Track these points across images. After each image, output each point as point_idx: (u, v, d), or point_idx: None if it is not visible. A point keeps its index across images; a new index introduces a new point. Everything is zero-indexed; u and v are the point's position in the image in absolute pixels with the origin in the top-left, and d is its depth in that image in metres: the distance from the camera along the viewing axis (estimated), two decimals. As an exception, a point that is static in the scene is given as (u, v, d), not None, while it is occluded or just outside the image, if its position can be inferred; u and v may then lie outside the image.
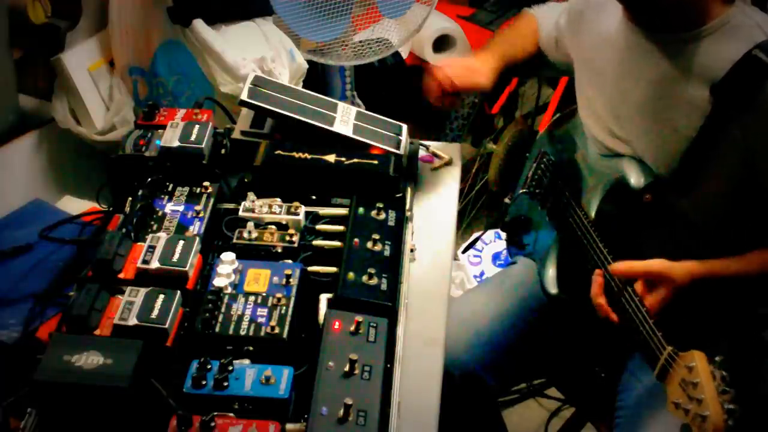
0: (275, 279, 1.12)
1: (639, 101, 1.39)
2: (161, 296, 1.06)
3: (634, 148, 1.43)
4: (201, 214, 1.22)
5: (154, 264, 1.11)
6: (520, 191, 1.69)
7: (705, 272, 1.31)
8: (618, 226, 1.43)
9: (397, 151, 1.37)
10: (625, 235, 1.42)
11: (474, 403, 1.61)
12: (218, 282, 1.11)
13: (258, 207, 1.23)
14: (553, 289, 1.52)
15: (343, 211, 1.26)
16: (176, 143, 1.29)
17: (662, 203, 1.40)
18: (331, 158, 1.31)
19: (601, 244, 1.38)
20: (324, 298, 1.13)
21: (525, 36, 1.69)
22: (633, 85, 1.40)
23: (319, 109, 1.41)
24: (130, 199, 1.25)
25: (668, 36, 1.34)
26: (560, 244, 1.55)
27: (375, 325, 1.08)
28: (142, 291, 1.07)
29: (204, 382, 0.98)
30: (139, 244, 1.15)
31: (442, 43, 2.86)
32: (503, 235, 1.80)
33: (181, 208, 1.24)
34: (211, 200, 1.25)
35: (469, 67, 1.57)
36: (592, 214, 1.45)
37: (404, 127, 1.44)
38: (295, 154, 1.31)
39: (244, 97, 1.39)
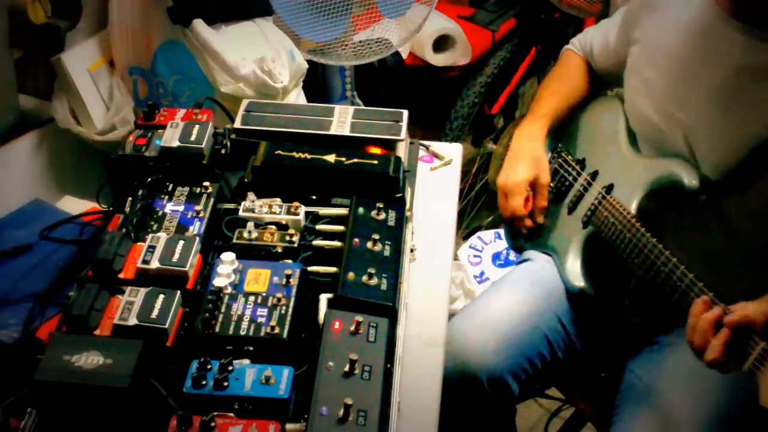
0: (275, 279, 1.12)
1: (711, 88, 1.35)
2: (161, 296, 1.06)
3: (691, 134, 1.39)
4: (201, 214, 1.22)
5: (154, 264, 1.11)
6: None
7: None
8: (657, 222, 1.42)
9: (399, 138, 1.37)
10: (662, 231, 1.41)
11: (498, 409, 1.58)
12: (218, 282, 1.11)
13: (258, 207, 1.23)
14: (579, 282, 1.51)
15: (343, 211, 1.26)
16: (176, 143, 1.29)
17: (712, 205, 1.38)
18: (331, 158, 1.31)
19: (648, 234, 1.38)
20: (324, 298, 1.13)
21: (573, 77, 1.69)
22: (707, 70, 1.36)
23: (314, 117, 1.41)
24: (130, 199, 1.25)
25: (763, 31, 1.30)
26: (587, 238, 1.54)
27: (375, 325, 1.08)
28: (142, 291, 1.07)
29: (204, 382, 0.98)
30: (139, 244, 1.15)
31: (442, 43, 2.87)
32: (502, 233, 1.79)
33: (181, 208, 1.24)
34: (211, 200, 1.25)
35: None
36: (632, 208, 1.44)
37: (404, 112, 1.42)
38: (295, 154, 1.31)
39: (237, 125, 1.39)
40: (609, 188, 1.53)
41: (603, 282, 1.52)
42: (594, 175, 1.57)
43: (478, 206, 2.75)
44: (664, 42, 1.44)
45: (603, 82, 1.73)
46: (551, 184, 1.64)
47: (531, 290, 1.58)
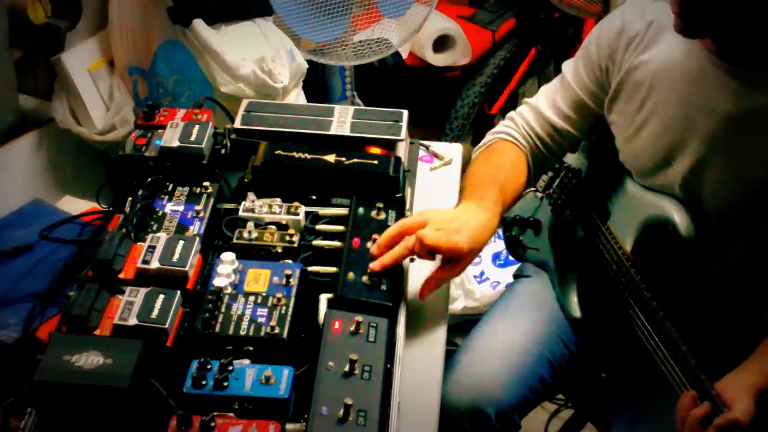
0: (275, 279, 1.12)
1: (708, 134, 1.28)
2: (161, 296, 1.06)
3: (690, 184, 1.33)
4: (201, 214, 1.22)
5: (154, 264, 1.11)
6: (528, 190, 1.60)
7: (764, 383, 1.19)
8: (650, 262, 1.37)
9: (399, 137, 1.37)
10: (657, 271, 1.37)
11: None
12: (218, 282, 1.11)
13: (258, 207, 1.23)
14: (576, 312, 1.48)
15: (343, 211, 1.26)
16: (176, 143, 1.29)
17: (709, 250, 1.33)
18: (331, 158, 1.31)
19: (638, 277, 1.32)
20: (324, 298, 1.13)
21: (516, 171, 1.46)
22: (703, 116, 1.28)
23: (314, 117, 1.41)
24: (130, 199, 1.25)
25: (758, 73, 1.22)
26: (582, 264, 1.50)
27: (375, 325, 1.08)
28: (142, 291, 1.07)
29: (204, 382, 0.98)
30: (139, 244, 1.15)
31: (442, 43, 2.87)
32: (500, 232, 1.75)
33: (181, 208, 1.24)
34: (211, 200, 1.25)
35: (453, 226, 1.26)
36: (628, 247, 1.38)
37: (405, 113, 1.42)
38: (295, 154, 1.31)
39: (237, 125, 1.39)
40: (606, 215, 1.46)
41: (602, 308, 1.49)
42: (594, 195, 1.50)
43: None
44: (654, 85, 1.34)
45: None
46: (549, 191, 1.61)
47: (533, 317, 1.54)
